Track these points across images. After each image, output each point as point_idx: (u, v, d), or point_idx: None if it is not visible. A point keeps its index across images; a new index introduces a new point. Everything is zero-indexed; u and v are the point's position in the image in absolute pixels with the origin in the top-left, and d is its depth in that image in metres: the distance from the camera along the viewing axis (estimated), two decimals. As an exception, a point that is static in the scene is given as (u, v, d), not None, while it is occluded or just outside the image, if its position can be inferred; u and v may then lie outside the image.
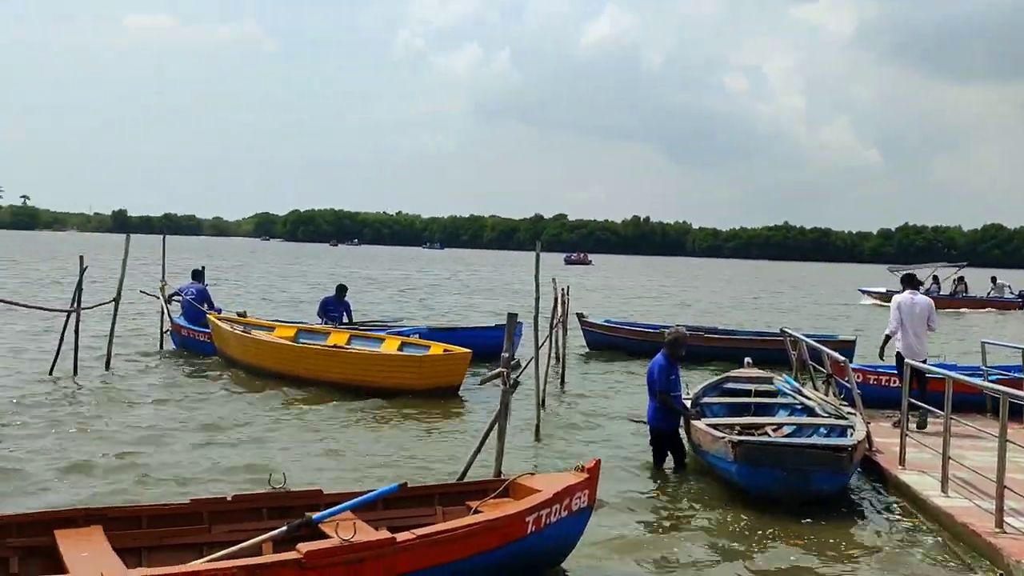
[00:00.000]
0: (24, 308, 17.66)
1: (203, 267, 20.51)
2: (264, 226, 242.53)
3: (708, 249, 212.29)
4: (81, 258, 15.76)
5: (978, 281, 47.64)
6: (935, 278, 43.54)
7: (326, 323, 17.78)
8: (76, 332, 15.24)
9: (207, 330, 17.50)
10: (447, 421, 12.86)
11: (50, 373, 14.82)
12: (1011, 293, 43.68)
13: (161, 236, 23.26)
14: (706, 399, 11.79)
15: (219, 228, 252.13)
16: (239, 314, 18.56)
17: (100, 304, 16.89)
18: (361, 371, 14.63)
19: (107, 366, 15.91)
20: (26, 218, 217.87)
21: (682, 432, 10.43)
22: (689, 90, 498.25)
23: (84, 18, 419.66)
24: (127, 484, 9.04)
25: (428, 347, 15.61)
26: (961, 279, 43.85)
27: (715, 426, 9.90)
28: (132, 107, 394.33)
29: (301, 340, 16.49)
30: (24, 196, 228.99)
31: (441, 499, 7.08)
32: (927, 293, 17.50)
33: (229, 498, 6.60)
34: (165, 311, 18.94)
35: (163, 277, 19.88)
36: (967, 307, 41.18)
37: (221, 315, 17.93)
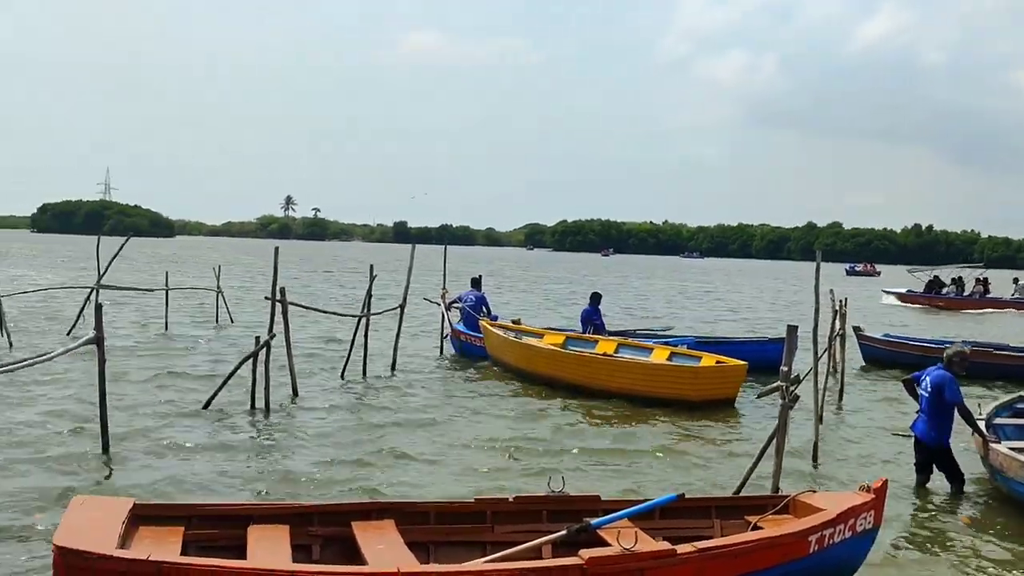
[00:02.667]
0: (320, 313, 18.98)
1: (480, 275, 21.32)
2: (533, 236, 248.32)
3: (999, 260, 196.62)
4: (371, 267, 16.85)
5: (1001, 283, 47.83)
6: (957, 280, 44.32)
7: (589, 332, 17.97)
8: (366, 337, 16.27)
9: (483, 335, 18.17)
10: (721, 434, 12.66)
11: (341, 376, 15.86)
12: None
13: (441, 246, 24.33)
14: (998, 420, 10.98)
15: (492, 238, 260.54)
16: (514, 321, 19.14)
17: (387, 311, 17.95)
18: (631, 380, 14.69)
19: (392, 369, 16.88)
20: (317, 229, 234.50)
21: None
22: (974, 90, 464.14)
23: (365, 41, 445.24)
24: (407, 480, 9.54)
25: (699, 358, 15.45)
26: (982, 280, 44.27)
27: (1019, 450, 9.19)
28: (410, 124, 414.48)
29: (570, 347, 16.81)
30: (315, 209, 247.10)
31: (719, 512, 6.96)
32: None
33: (511, 499, 6.77)
34: (445, 317, 19.84)
35: (444, 285, 20.81)
36: (991, 307, 41.25)
37: (495, 321, 18.56)
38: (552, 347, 16.60)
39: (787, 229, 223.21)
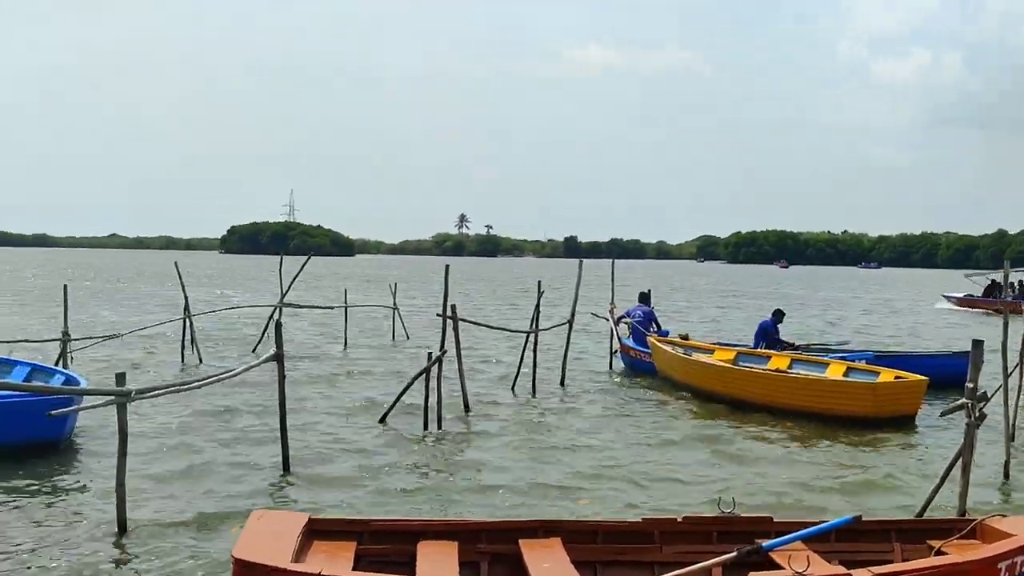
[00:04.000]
0: (488, 328, 19.24)
1: (649, 290, 21.20)
2: (705, 249, 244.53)
3: None
4: (539, 283, 16.99)
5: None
6: (1015, 284, 40.89)
7: (762, 347, 17.53)
8: (535, 352, 16.42)
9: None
10: (900, 453, 12.13)
11: (511, 391, 16.03)
12: None
13: (609, 260, 24.31)
14: None
15: (663, 251, 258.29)
16: (682, 337, 18.92)
17: (555, 326, 18.07)
18: (805, 396, 14.25)
19: (562, 383, 16.97)
20: (489, 245, 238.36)
21: None
22: None
23: (531, 55, 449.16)
24: (574, 499, 9.54)
25: (877, 373, 14.86)
26: None
27: None
28: (574, 137, 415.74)
29: (741, 363, 16.45)
30: (488, 225, 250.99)
31: (899, 535, 6.65)
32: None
33: (680, 519, 6.67)
34: (614, 332, 19.80)
35: (612, 300, 20.77)
36: None
37: (664, 337, 18.39)
38: (722, 363, 16.31)
39: (975, 237, 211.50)
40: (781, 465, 11.23)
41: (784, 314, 18.65)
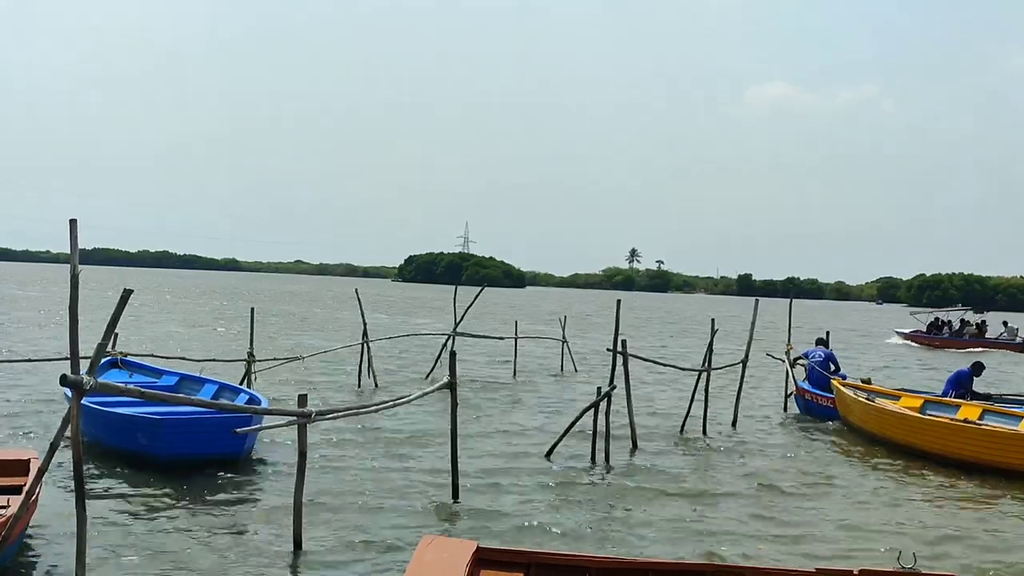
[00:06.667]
0: (662, 367, 19.00)
1: (828, 333, 20.49)
2: (886, 291, 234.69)
3: None
4: (712, 321, 16.69)
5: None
6: (948, 322, 49.86)
7: (951, 396, 16.55)
8: (706, 392, 16.11)
9: (831, 395, 17.40)
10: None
11: (680, 431, 15.75)
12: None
13: (787, 299, 23.67)
14: None
15: (841, 292, 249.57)
16: (863, 381, 18.17)
17: (728, 366, 17.71)
18: (998, 450, 13.41)
19: (733, 425, 16.58)
20: (659, 281, 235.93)
21: None
22: None
23: (700, 96, 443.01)
24: (743, 545, 9.27)
25: (1081, 428, 13.87)
26: (979, 323, 49.18)
27: None
28: (755, 176, 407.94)
29: (928, 412, 15.63)
30: (659, 261, 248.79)
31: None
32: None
33: (856, 572, 6.39)
34: (790, 374, 19.24)
35: (788, 340, 20.21)
36: (980, 347, 45.01)
37: (846, 381, 17.72)
38: (908, 411, 15.55)
39: None
40: (968, 522, 10.59)
41: (984, 367, 17.45)
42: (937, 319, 50.54)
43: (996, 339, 47.11)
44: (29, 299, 55.68)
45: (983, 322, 49.44)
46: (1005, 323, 49.19)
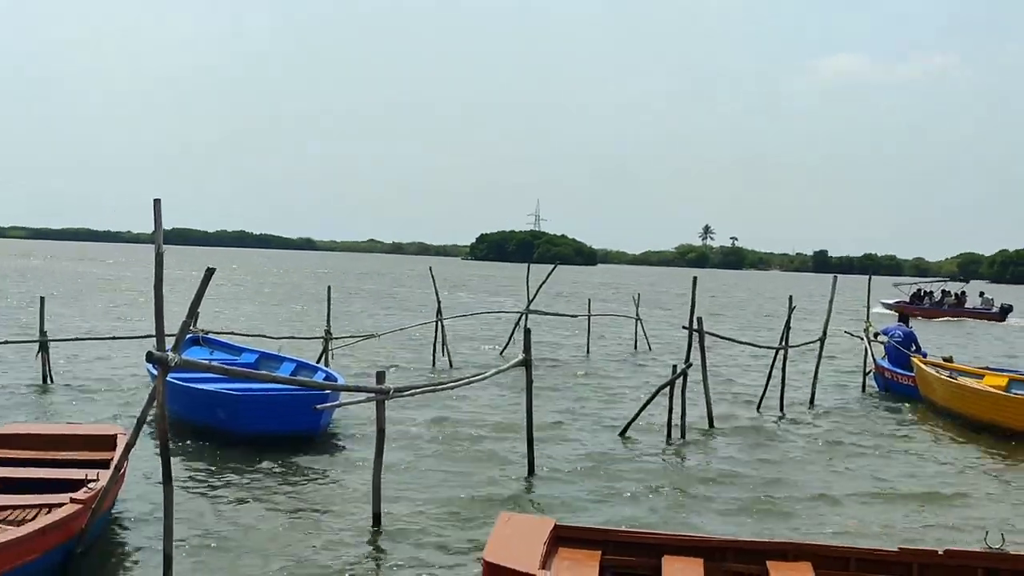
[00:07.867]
0: (739, 344, 18.80)
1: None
2: (967, 267, 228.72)
3: None
4: (790, 298, 16.45)
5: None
6: (930, 292, 53.66)
7: None
8: (783, 370, 15.90)
9: (911, 373, 17.06)
10: None
11: (757, 409, 15.60)
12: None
13: (866, 276, 23.25)
14: None
15: (921, 268, 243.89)
16: (944, 359, 17.78)
17: (806, 343, 17.45)
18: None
19: (811, 404, 16.36)
20: (734, 258, 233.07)
21: None
22: None
23: (777, 67, 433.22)
24: (822, 523, 9.15)
25: None
26: (959, 293, 52.92)
27: None
28: (826, 150, 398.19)
29: (1014, 391, 15.26)
30: (733, 237, 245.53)
31: None
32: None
33: (941, 551, 6.29)
34: (869, 352, 18.90)
35: (867, 318, 19.83)
36: (955, 316, 49.24)
37: (927, 359, 17.36)
38: (993, 389, 15.19)
39: None
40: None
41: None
42: (920, 290, 54.01)
43: (974, 309, 50.74)
44: (119, 278, 57.30)
45: (963, 292, 53.18)
46: (982, 293, 53.21)
